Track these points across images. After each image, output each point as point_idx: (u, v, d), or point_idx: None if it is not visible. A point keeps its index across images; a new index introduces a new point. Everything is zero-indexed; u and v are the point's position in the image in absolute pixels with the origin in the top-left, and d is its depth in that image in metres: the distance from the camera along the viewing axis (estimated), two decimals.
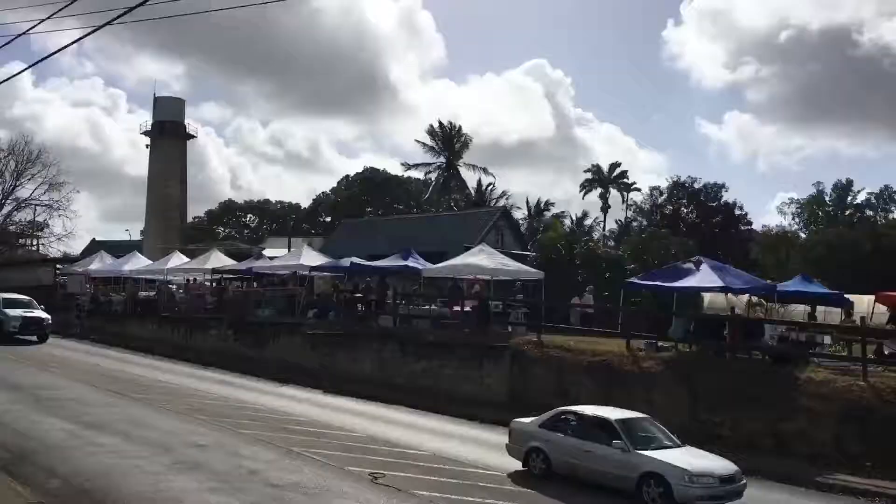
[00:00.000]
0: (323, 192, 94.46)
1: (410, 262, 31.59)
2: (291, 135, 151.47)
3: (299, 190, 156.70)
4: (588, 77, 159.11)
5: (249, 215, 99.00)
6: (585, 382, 22.02)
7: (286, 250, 46.31)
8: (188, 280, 42.26)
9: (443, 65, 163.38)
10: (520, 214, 64.14)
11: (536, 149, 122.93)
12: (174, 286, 44.11)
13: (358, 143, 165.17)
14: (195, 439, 16.66)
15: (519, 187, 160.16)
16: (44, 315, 35.65)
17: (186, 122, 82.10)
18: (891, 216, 74.57)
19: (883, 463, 16.57)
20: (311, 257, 35.19)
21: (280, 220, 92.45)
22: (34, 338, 34.68)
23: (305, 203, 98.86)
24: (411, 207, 77.05)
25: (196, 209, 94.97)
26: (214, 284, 39.24)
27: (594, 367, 22.09)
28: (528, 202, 75.94)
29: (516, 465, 15.85)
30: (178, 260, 42.86)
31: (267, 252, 46.04)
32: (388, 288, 32.08)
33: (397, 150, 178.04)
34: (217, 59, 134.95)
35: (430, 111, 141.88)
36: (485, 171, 72.77)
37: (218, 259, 39.71)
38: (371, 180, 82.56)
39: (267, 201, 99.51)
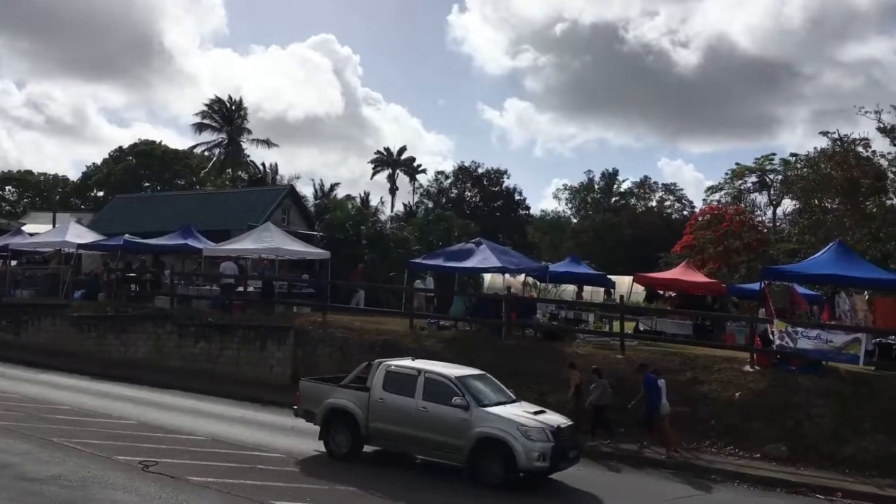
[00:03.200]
0: (93, 164, 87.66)
1: (190, 241, 30.19)
2: (53, 99, 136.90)
3: (64, 161, 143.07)
4: (376, 56, 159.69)
5: (8, 187, 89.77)
6: (370, 360, 22.16)
7: (51, 226, 42.52)
8: None
9: (224, 33, 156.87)
10: (308, 193, 63.28)
11: (324, 126, 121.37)
12: None
13: (130, 111, 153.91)
14: None
15: (306, 165, 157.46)
16: None
17: None
18: (649, 204, 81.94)
19: (635, 427, 18.26)
20: (79, 233, 32.56)
21: (44, 193, 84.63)
22: None
23: (73, 175, 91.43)
24: (193, 184, 73.51)
25: None
26: None
27: (378, 347, 22.36)
28: (314, 182, 75.43)
29: (303, 446, 15.66)
30: None
31: (28, 228, 42.02)
32: (164, 267, 30.45)
33: (174, 122, 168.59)
34: None
35: (211, 82, 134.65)
36: (268, 143, 70.96)
37: None
38: (147, 153, 77.67)
39: (28, 172, 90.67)
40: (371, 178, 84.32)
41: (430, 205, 73.61)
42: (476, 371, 15.73)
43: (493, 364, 19.08)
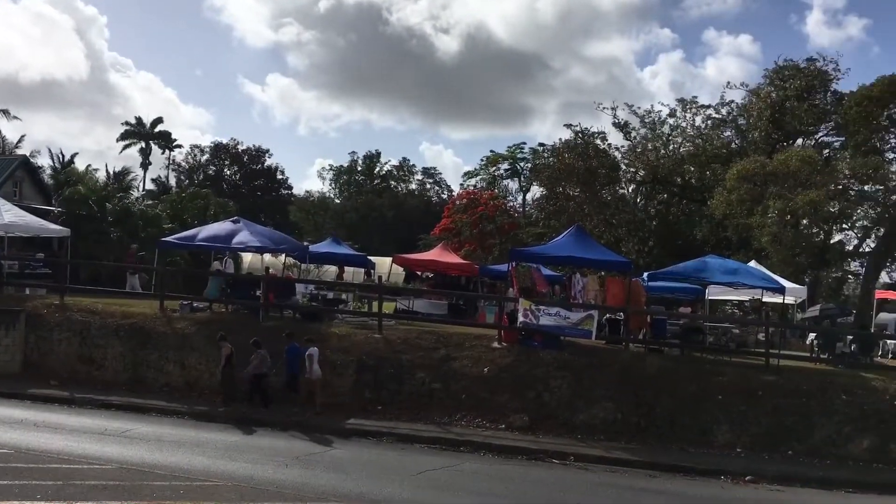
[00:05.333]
0: None
1: None
2: None
3: None
4: (126, 19, 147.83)
5: None
6: (115, 346, 20.86)
7: None
8: None
9: None
10: (45, 164, 57.50)
11: (64, 91, 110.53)
12: None
13: None
14: None
15: (43, 134, 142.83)
16: None
17: None
18: (410, 187, 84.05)
19: (391, 405, 18.74)
20: None
21: None
22: None
23: None
24: None
25: None
26: None
27: (125, 331, 21.03)
28: (52, 152, 68.52)
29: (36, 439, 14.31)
30: None
31: None
32: None
33: None
34: None
35: None
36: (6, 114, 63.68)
37: None
38: None
39: None
40: (120, 152, 78.74)
41: (186, 181, 70.17)
42: None
43: (246, 346, 18.67)
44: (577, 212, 45.84)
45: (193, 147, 78.11)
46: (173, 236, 26.48)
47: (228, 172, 77.48)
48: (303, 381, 18.39)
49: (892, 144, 39.04)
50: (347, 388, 19.38)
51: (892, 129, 38.47)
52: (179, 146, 79.84)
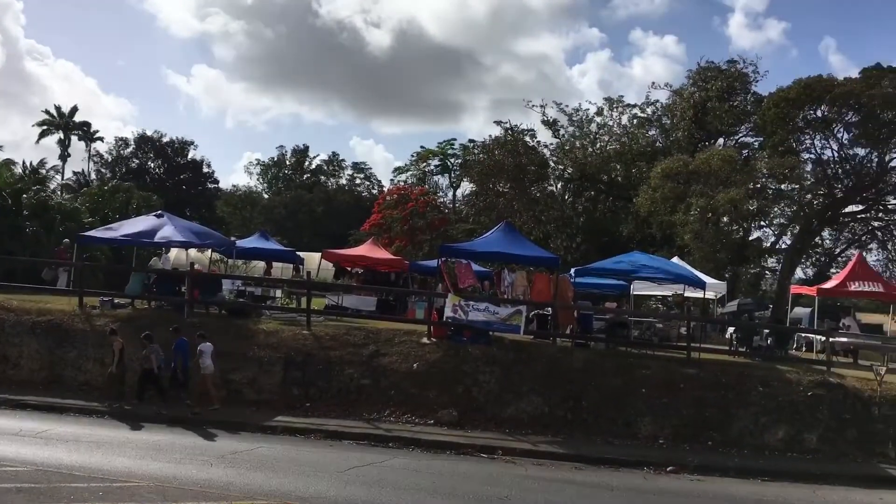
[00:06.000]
0: None
1: None
2: None
3: None
4: (43, 5, 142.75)
5: None
6: (30, 344, 20.11)
7: None
8: None
9: None
10: None
11: None
12: None
13: None
14: None
15: None
16: None
17: None
18: (340, 182, 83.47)
19: (319, 402, 18.58)
20: None
21: None
22: None
23: None
24: None
25: None
26: None
27: (41, 327, 20.28)
28: None
29: None
30: None
31: None
32: None
33: None
34: None
35: None
36: None
37: None
38: None
39: None
40: (37, 141, 75.66)
41: (109, 174, 68.16)
42: None
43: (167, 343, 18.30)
44: (506, 208, 46.33)
45: (118, 139, 75.81)
46: (94, 230, 25.67)
47: (153, 166, 75.47)
48: (196, 378, 17.99)
49: (808, 145, 40.62)
50: (275, 386, 19.12)
51: (808, 131, 40.01)
52: (101, 138, 77.42)
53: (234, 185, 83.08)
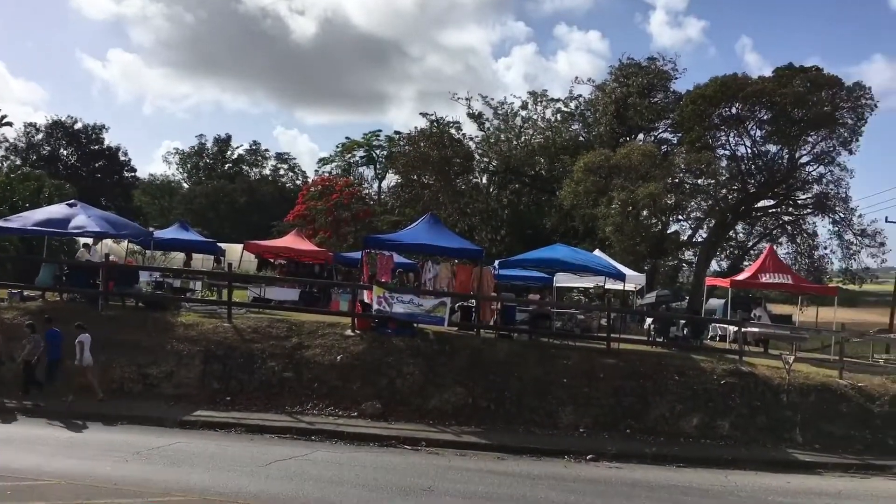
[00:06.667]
0: None
1: None
2: None
3: None
4: None
5: None
6: None
7: None
8: None
9: None
10: None
11: None
12: None
13: None
14: None
15: None
16: None
17: None
18: (263, 172, 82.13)
19: (241, 396, 18.26)
20: None
21: None
22: None
23: None
24: None
25: None
26: None
27: None
28: None
29: None
30: None
31: None
32: None
33: None
34: None
35: None
36: None
37: None
38: None
39: None
40: None
41: (18, 161, 65.38)
42: None
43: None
44: (432, 200, 46.43)
45: (27, 125, 72.71)
46: (2, 220, 24.56)
47: (65, 153, 72.71)
48: (74, 370, 17.33)
49: (723, 141, 42.01)
50: (194, 380, 18.68)
51: (723, 128, 41.37)
52: (10, 123, 74.12)
53: (151, 175, 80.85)
